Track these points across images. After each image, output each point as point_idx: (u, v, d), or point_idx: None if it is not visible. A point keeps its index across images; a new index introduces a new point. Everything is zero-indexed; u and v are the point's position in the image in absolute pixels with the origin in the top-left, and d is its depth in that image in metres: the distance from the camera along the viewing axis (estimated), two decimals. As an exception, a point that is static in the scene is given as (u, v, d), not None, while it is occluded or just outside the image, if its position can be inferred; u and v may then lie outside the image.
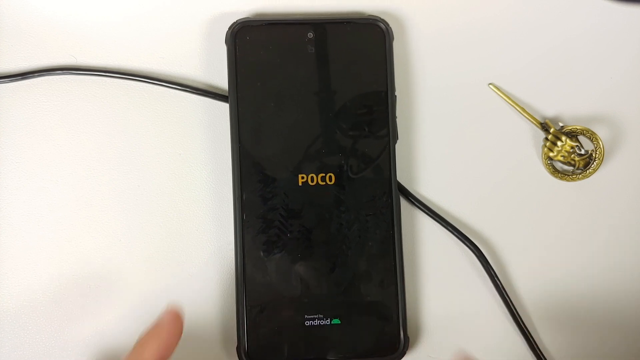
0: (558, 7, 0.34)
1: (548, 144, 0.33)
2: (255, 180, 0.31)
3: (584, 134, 0.33)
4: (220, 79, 0.33)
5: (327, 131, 0.31)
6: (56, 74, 0.33)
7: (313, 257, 0.31)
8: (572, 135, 0.33)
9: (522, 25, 0.34)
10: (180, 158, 0.33)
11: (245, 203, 0.31)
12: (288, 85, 0.31)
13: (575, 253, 0.33)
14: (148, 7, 0.33)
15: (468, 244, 0.32)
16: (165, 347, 0.25)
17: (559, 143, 0.33)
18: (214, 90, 0.33)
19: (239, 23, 0.32)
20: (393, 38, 0.32)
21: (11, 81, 0.32)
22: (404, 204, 0.33)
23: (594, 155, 0.33)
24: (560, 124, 0.33)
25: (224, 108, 0.32)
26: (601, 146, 0.33)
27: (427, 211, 0.33)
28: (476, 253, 0.32)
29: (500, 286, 0.32)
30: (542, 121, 0.33)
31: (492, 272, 0.32)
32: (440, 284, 0.33)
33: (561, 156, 0.33)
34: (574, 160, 0.33)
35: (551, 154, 0.33)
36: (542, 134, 0.34)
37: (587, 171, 0.33)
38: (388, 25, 0.32)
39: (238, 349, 0.31)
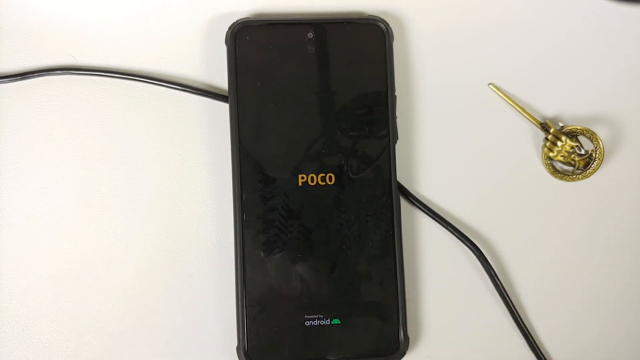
0: (558, 7, 0.34)
1: (548, 144, 0.33)
2: (255, 180, 0.31)
3: (584, 134, 0.33)
4: (220, 79, 0.33)
5: (327, 131, 0.31)
6: (56, 74, 0.33)
7: (313, 257, 0.31)
8: (572, 135, 0.33)
9: (522, 25, 0.34)
10: (180, 158, 0.33)
11: (245, 203, 0.31)
12: (288, 86, 0.31)
13: (576, 253, 0.33)
14: (148, 7, 0.33)
15: (468, 244, 0.32)
16: None
17: (559, 143, 0.33)
18: (214, 90, 0.33)
19: (239, 23, 0.32)
20: (393, 38, 0.32)
21: (11, 81, 0.32)
22: (404, 204, 0.33)
23: (594, 155, 0.33)
24: (560, 124, 0.33)
25: (224, 108, 0.32)
26: (601, 146, 0.33)
27: (427, 211, 0.33)
28: (476, 253, 0.32)
29: (500, 286, 0.32)
30: (542, 121, 0.33)
31: (492, 272, 0.32)
32: (440, 284, 0.33)
33: (561, 156, 0.33)
34: (574, 160, 0.33)
35: (551, 154, 0.33)
36: (542, 134, 0.34)
37: (587, 171, 0.33)
38: (388, 25, 0.32)
39: (238, 349, 0.31)
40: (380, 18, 0.32)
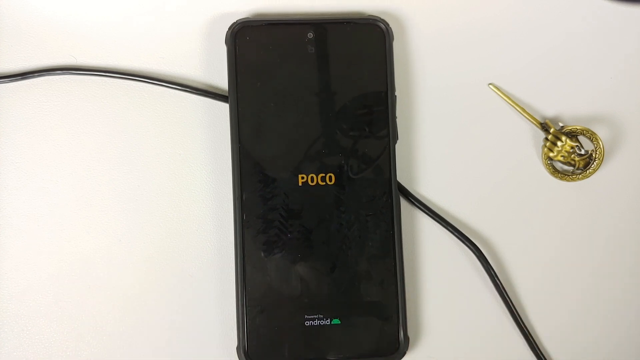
0: (558, 7, 0.34)
1: (548, 144, 0.33)
2: (255, 180, 0.31)
3: (584, 134, 0.33)
4: (220, 79, 0.33)
5: (327, 131, 0.31)
6: (56, 74, 0.33)
7: (313, 257, 0.31)
8: (572, 135, 0.33)
9: (522, 25, 0.34)
10: (180, 158, 0.33)
11: (245, 203, 0.31)
12: (288, 86, 0.31)
13: (575, 253, 0.33)
14: (148, 7, 0.33)
15: (468, 244, 0.32)
16: None
17: (559, 143, 0.33)
18: (214, 90, 0.33)
19: (239, 23, 0.32)
20: (393, 38, 0.32)
21: (11, 81, 0.32)
22: (404, 204, 0.33)
23: (594, 155, 0.33)
24: (560, 124, 0.33)
25: (224, 108, 0.32)
26: (601, 146, 0.33)
27: (427, 211, 0.33)
28: (476, 253, 0.32)
29: (500, 286, 0.32)
30: (542, 121, 0.33)
31: (492, 272, 0.32)
32: (440, 284, 0.33)
33: (561, 156, 0.33)
34: (574, 160, 0.33)
35: (551, 154, 0.33)
36: (542, 134, 0.34)
37: (587, 171, 0.33)
38: (388, 25, 0.32)
39: (238, 349, 0.31)
40: (380, 18, 0.32)
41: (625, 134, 0.34)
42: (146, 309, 0.32)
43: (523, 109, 0.33)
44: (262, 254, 0.31)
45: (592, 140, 0.33)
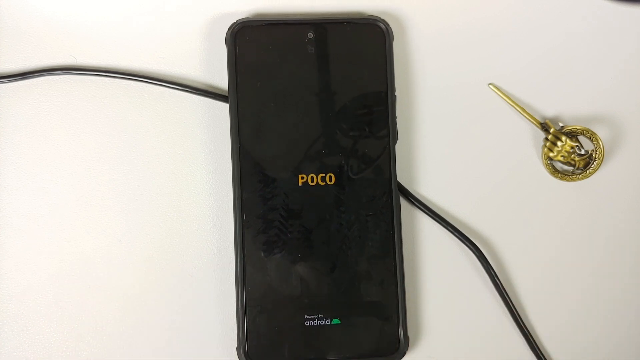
0: (558, 7, 0.34)
1: (548, 144, 0.33)
2: (255, 180, 0.31)
3: (584, 134, 0.33)
4: (220, 79, 0.33)
5: (327, 131, 0.31)
6: (56, 74, 0.33)
7: (313, 257, 0.31)
8: (572, 135, 0.33)
9: (522, 25, 0.34)
10: (180, 158, 0.33)
11: (245, 203, 0.31)
12: (288, 86, 0.31)
13: (575, 253, 0.33)
14: (148, 7, 0.33)
15: (468, 244, 0.32)
16: None
17: (559, 143, 0.33)
18: (214, 90, 0.33)
19: (239, 23, 0.32)
20: (393, 38, 0.32)
21: (11, 81, 0.32)
22: (404, 204, 0.33)
23: (594, 155, 0.33)
24: (560, 124, 0.33)
25: (224, 108, 0.32)
26: (601, 146, 0.33)
27: (427, 211, 0.33)
28: (476, 253, 0.32)
29: (500, 286, 0.32)
30: (542, 121, 0.33)
31: (492, 272, 0.32)
32: (440, 284, 0.33)
33: (561, 156, 0.33)
34: (574, 160, 0.33)
35: (551, 154, 0.33)
36: (542, 134, 0.34)
37: (587, 171, 0.33)
38: (388, 25, 0.32)
39: (238, 349, 0.31)
40: (380, 18, 0.32)
41: (625, 134, 0.34)
42: (146, 309, 0.32)
43: (523, 109, 0.33)
44: (262, 254, 0.31)
45: (592, 140, 0.33)
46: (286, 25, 0.32)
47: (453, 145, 0.33)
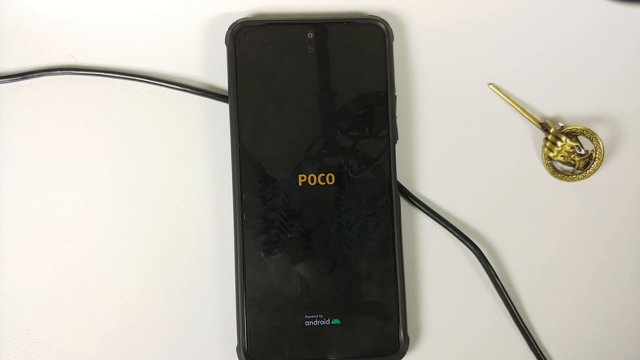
0: (557, 7, 0.34)
1: (548, 144, 0.33)
2: (255, 181, 0.31)
3: (584, 134, 0.33)
4: (220, 79, 0.33)
5: (327, 131, 0.31)
6: (56, 74, 0.33)
7: (313, 257, 0.31)
8: (572, 135, 0.33)
9: (522, 25, 0.34)
10: (180, 158, 0.33)
11: (245, 203, 0.31)
12: (288, 86, 0.31)
13: (575, 253, 0.33)
14: (148, 7, 0.33)
15: (468, 244, 0.32)
16: None
17: (559, 143, 0.33)
18: (214, 90, 0.33)
19: (239, 23, 0.32)
20: (393, 38, 0.32)
21: (11, 81, 0.32)
22: (404, 204, 0.33)
23: (594, 155, 0.33)
24: (560, 124, 0.33)
25: (224, 108, 0.32)
26: (601, 146, 0.33)
27: (427, 211, 0.33)
28: (476, 253, 0.32)
29: (500, 286, 0.32)
30: (542, 121, 0.33)
31: (492, 272, 0.32)
32: (440, 284, 0.33)
33: (561, 156, 0.33)
34: (574, 160, 0.33)
35: (551, 154, 0.33)
36: (542, 134, 0.34)
37: (587, 171, 0.33)
38: (388, 25, 0.32)
39: (238, 349, 0.31)
40: (380, 18, 0.32)
41: (625, 134, 0.34)
42: (146, 309, 0.32)
43: (523, 109, 0.33)
44: (262, 254, 0.31)
45: (592, 140, 0.33)
46: (286, 25, 0.32)
47: (453, 145, 0.33)
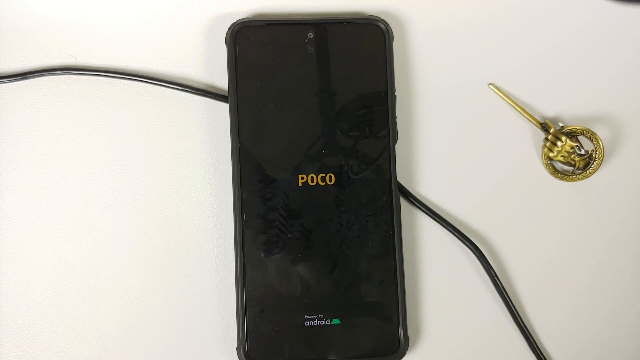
0: (557, 7, 0.34)
1: (548, 144, 0.33)
2: (255, 181, 0.31)
3: (584, 134, 0.33)
4: (220, 79, 0.33)
5: (327, 131, 0.31)
6: (56, 74, 0.33)
7: (313, 257, 0.31)
8: (572, 135, 0.33)
9: (522, 25, 0.34)
10: (180, 158, 0.33)
11: (245, 203, 0.31)
12: (288, 86, 0.31)
13: (575, 253, 0.33)
14: (148, 7, 0.33)
15: (468, 244, 0.32)
16: None
17: (559, 143, 0.33)
18: (214, 90, 0.33)
19: (239, 23, 0.32)
20: (393, 38, 0.32)
21: (11, 81, 0.32)
22: (404, 204, 0.33)
23: (594, 155, 0.33)
24: (560, 124, 0.33)
25: (224, 108, 0.32)
26: (601, 146, 0.33)
27: (427, 211, 0.33)
28: (476, 253, 0.32)
29: (500, 286, 0.32)
30: (542, 121, 0.33)
31: (492, 272, 0.32)
32: (440, 284, 0.33)
33: (561, 156, 0.33)
34: (574, 161, 0.33)
35: (551, 154, 0.33)
36: (542, 134, 0.34)
37: (587, 171, 0.33)
38: (388, 25, 0.32)
39: (238, 349, 0.31)
40: (380, 18, 0.32)
41: (625, 134, 0.34)
42: (146, 309, 0.32)
43: (523, 109, 0.33)
44: (262, 254, 0.31)
45: (592, 140, 0.33)
46: (286, 25, 0.32)
47: (453, 145, 0.33)
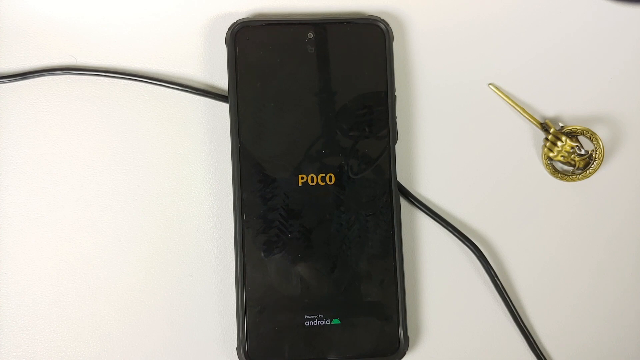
0: (557, 7, 0.34)
1: (548, 144, 0.33)
2: (255, 181, 0.31)
3: (584, 134, 0.33)
4: (220, 79, 0.33)
5: (327, 131, 0.31)
6: (56, 74, 0.33)
7: (313, 257, 0.31)
8: (572, 135, 0.33)
9: (522, 25, 0.34)
10: (180, 158, 0.33)
11: (245, 203, 0.31)
12: (288, 86, 0.31)
13: (575, 253, 0.33)
14: (148, 7, 0.33)
15: (468, 244, 0.32)
16: None
17: (559, 143, 0.33)
18: (214, 91, 0.33)
19: (239, 23, 0.32)
20: (393, 38, 0.32)
21: (11, 81, 0.32)
22: (404, 204, 0.33)
23: (594, 155, 0.33)
24: (560, 124, 0.33)
25: (224, 108, 0.32)
26: (601, 146, 0.33)
27: (427, 211, 0.33)
28: (476, 253, 0.32)
29: (500, 286, 0.32)
30: (542, 121, 0.33)
31: (492, 272, 0.32)
32: (440, 284, 0.33)
33: (561, 156, 0.33)
34: (574, 161, 0.33)
35: (551, 154, 0.33)
36: (542, 134, 0.34)
37: (587, 171, 0.33)
38: (388, 25, 0.32)
39: (238, 349, 0.31)
40: (380, 18, 0.32)
41: (625, 134, 0.34)
42: (146, 309, 0.32)
43: (523, 109, 0.33)
44: (262, 254, 0.31)
45: (592, 140, 0.33)
46: (286, 25, 0.32)
47: (453, 145, 0.33)
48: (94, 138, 0.33)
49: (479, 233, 0.33)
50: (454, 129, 0.34)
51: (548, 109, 0.34)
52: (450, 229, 0.32)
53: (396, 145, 0.32)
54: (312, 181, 0.31)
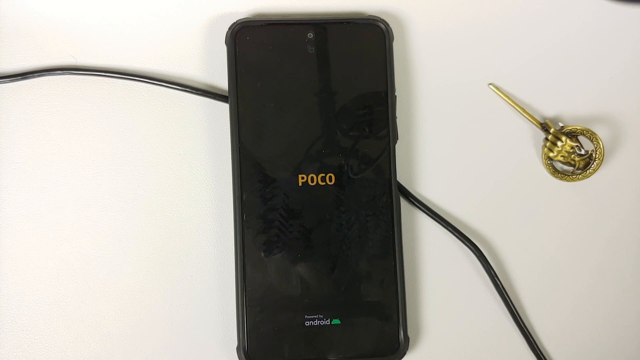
0: (557, 7, 0.34)
1: (548, 144, 0.33)
2: (255, 181, 0.31)
3: (584, 134, 0.33)
4: (220, 79, 0.33)
5: (327, 131, 0.31)
6: (56, 74, 0.33)
7: (313, 257, 0.31)
8: (572, 135, 0.33)
9: (522, 25, 0.34)
10: (180, 158, 0.33)
11: (245, 203, 0.31)
12: (288, 86, 0.31)
13: (575, 253, 0.33)
14: (148, 7, 0.33)
15: (468, 244, 0.32)
16: None
17: (559, 143, 0.33)
18: (214, 91, 0.33)
19: (239, 23, 0.32)
20: (393, 38, 0.32)
21: (11, 81, 0.32)
22: (404, 204, 0.33)
23: (594, 155, 0.33)
24: (560, 124, 0.33)
25: (224, 108, 0.32)
26: (601, 146, 0.33)
27: (427, 211, 0.33)
28: (476, 253, 0.32)
29: (500, 286, 0.32)
30: (542, 121, 0.33)
31: (492, 272, 0.32)
32: (440, 284, 0.33)
33: (561, 156, 0.33)
34: (574, 161, 0.33)
35: (551, 154, 0.33)
36: (542, 134, 0.34)
37: (587, 171, 0.33)
38: (388, 25, 0.32)
39: (238, 349, 0.31)
40: (380, 18, 0.32)
41: (625, 134, 0.34)
42: (146, 309, 0.32)
43: (523, 109, 0.33)
44: (262, 254, 0.31)
45: (592, 140, 0.33)
46: (286, 25, 0.32)
47: (453, 145, 0.33)
48: (94, 138, 0.33)
49: (479, 233, 0.33)
50: (454, 129, 0.34)
51: (548, 109, 0.34)
52: (450, 229, 0.32)
53: (396, 145, 0.32)
54: (312, 181, 0.31)
